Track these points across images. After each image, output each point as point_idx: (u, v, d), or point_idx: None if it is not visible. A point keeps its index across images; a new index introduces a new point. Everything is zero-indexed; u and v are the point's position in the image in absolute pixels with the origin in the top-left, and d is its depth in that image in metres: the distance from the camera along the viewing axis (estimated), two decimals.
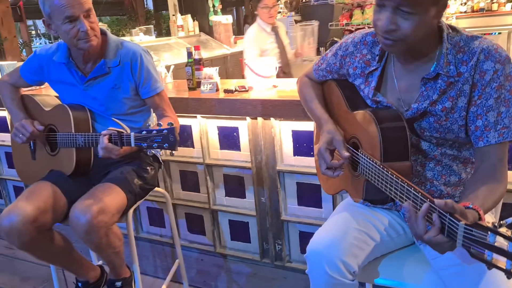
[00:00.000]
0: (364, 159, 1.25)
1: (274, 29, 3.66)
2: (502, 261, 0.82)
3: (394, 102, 1.31)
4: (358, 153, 1.29)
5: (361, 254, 1.29)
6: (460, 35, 1.22)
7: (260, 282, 2.29)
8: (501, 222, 0.84)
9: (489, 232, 0.84)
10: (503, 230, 0.82)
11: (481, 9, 7.16)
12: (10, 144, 2.72)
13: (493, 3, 7.10)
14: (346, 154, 1.29)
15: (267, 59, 2.26)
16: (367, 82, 1.36)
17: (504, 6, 7.07)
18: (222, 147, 2.22)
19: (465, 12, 7.42)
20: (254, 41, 3.62)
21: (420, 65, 1.25)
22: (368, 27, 4.66)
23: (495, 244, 0.83)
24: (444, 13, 1.21)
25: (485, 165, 1.18)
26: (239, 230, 2.31)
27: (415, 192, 1.04)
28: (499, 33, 6.54)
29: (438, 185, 1.31)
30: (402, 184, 1.08)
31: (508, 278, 0.82)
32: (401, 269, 1.32)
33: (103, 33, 1.82)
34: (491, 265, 0.84)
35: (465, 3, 7.54)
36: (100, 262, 2.09)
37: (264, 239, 2.23)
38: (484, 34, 6.65)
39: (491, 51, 1.16)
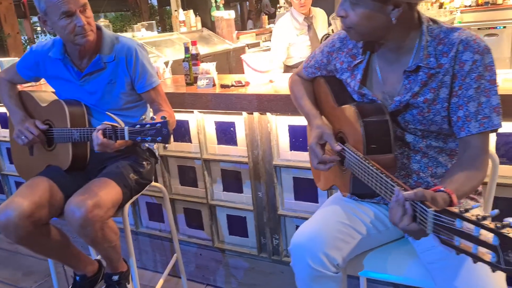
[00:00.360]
0: (349, 153, 1.27)
1: (308, 20, 3.28)
2: (487, 254, 0.82)
3: (379, 95, 1.32)
4: (344, 148, 1.31)
5: (345, 247, 1.30)
6: (440, 27, 1.24)
7: (258, 276, 2.30)
8: (486, 214, 0.84)
9: (456, 218, 0.84)
10: (486, 222, 0.82)
11: (486, 3, 7.10)
12: None
13: None
14: (338, 147, 1.31)
15: (263, 53, 2.26)
16: (353, 76, 1.38)
17: (509, 0, 7.00)
18: (219, 142, 2.23)
19: (469, 6, 7.35)
20: (282, 32, 3.31)
21: (401, 57, 1.27)
22: None
23: (462, 229, 0.84)
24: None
25: (466, 154, 1.19)
26: (236, 225, 2.32)
27: (392, 183, 1.05)
28: (504, 27, 6.49)
29: (425, 177, 1.32)
30: (381, 175, 1.10)
31: (493, 271, 0.82)
32: (385, 261, 1.34)
33: (98, 28, 1.82)
34: (459, 250, 0.85)
35: None
36: (99, 257, 2.11)
37: (261, 234, 2.24)
38: (489, 28, 6.61)
39: (470, 42, 1.18)
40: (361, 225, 1.35)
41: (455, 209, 0.86)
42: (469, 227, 0.83)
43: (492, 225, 0.80)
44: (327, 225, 1.32)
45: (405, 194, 0.97)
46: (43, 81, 2.10)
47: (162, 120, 1.48)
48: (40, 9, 1.69)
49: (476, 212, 0.82)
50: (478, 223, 0.82)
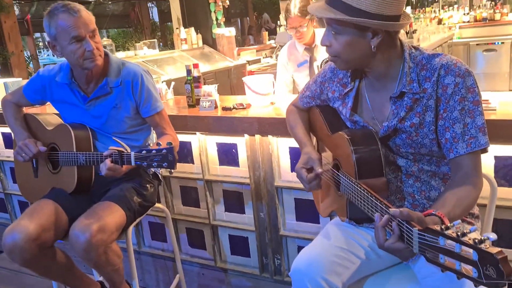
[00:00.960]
0: (344, 178, 1.31)
1: (309, 51, 2.91)
2: (469, 270, 0.82)
3: (369, 121, 1.37)
4: (339, 174, 1.35)
5: (345, 272, 1.32)
6: (422, 53, 1.28)
7: None
8: (472, 233, 0.85)
9: (438, 235, 0.86)
10: (466, 238, 0.83)
11: (484, 19, 7.18)
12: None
13: (496, 13, 7.12)
14: (319, 170, 1.37)
15: (264, 76, 2.27)
16: (344, 103, 1.43)
17: (507, 15, 7.09)
18: (221, 163, 2.25)
19: (468, 21, 7.44)
20: (283, 65, 3.02)
21: (387, 84, 1.32)
22: None
23: (445, 246, 0.85)
24: (403, 34, 1.26)
25: (457, 176, 1.22)
26: (239, 245, 2.34)
27: (380, 204, 1.08)
28: (502, 42, 6.56)
29: (420, 199, 1.35)
30: (370, 197, 1.13)
31: (476, 286, 0.82)
32: (385, 286, 1.35)
33: (105, 54, 1.87)
34: (444, 267, 0.86)
35: (468, 13, 7.56)
36: (101, 278, 2.12)
37: (263, 254, 2.25)
38: (487, 43, 6.67)
39: (451, 66, 1.22)
40: (359, 250, 1.37)
41: (436, 227, 0.88)
42: (451, 244, 0.84)
43: (470, 241, 0.81)
44: (326, 250, 1.35)
45: (391, 211, 1.00)
46: (45, 104, 2.13)
47: (168, 146, 1.51)
48: (50, 34, 1.74)
49: (473, 235, 0.83)
50: (458, 239, 0.83)
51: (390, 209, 1.02)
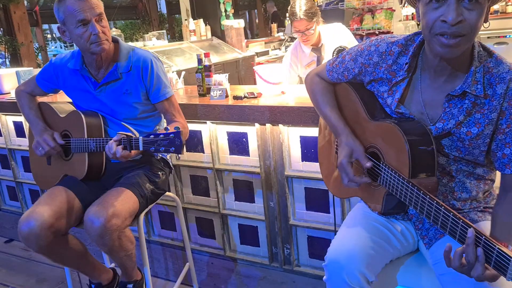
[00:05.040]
0: (388, 172, 1.24)
1: (316, 51, 2.88)
2: None
3: (416, 115, 1.29)
4: (380, 165, 1.29)
5: (378, 263, 1.31)
6: (491, 55, 1.20)
7: (270, 285, 2.32)
8: None
9: None
10: None
11: (496, 12, 7.07)
12: (26, 148, 2.81)
13: (508, 5, 7.02)
14: (368, 164, 1.29)
15: (275, 65, 2.27)
16: (391, 91, 1.33)
17: None
18: (232, 152, 2.26)
19: None
20: (290, 66, 2.98)
21: (448, 80, 1.23)
22: (379, 32, 4.53)
23: None
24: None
25: (510, 195, 1.19)
26: (248, 234, 2.35)
27: (454, 218, 1.02)
28: None
29: (450, 199, 1.32)
30: (438, 206, 1.07)
31: None
32: (419, 276, 1.34)
33: (115, 40, 1.88)
34: None
35: None
36: (113, 265, 2.14)
37: (273, 243, 2.26)
38: (499, 36, 6.59)
39: None
40: (390, 241, 1.35)
41: None
42: None
43: None
44: (363, 242, 1.30)
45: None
46: (58, 92, 2.15)
47: (175, 131, 1.52)
48: (59, 19, 1.76)
49: None
50: None
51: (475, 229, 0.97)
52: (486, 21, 1.13)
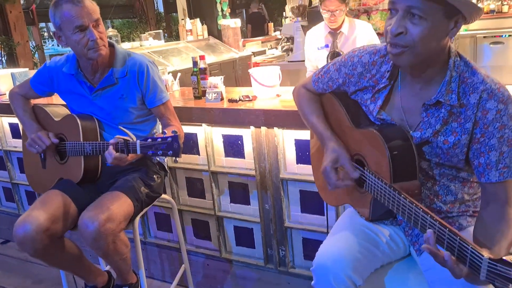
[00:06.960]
0: (372, 178, 1.26)
1: (332, 35, 2.98)
2: None
3: (397, 121, 1.31)
4: (365, 172, 1.30)
5: (366, 268, 1.31)
6: (466, 65, 1.22)
7: (265, 286, 2.33)
8: None
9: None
10: None
11: (491, 11, 7.10)
12: (21, 150, 2.80)
13: (504, 5, 7.04)
14: (356, 174, 1.30)
15: (270, 68, 2.28)
16: (373, 98, 1.36)
17: None
18: (227, 154, 2.26)
19: None
20: (307, 46, 3.12)
21: (425, 88, 1.25)
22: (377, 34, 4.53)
23: None
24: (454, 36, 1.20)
25: (493, 207, 1.19)
26: (244, 236, 2.36)
27: (432, 220, 1.03)
28: (510, 35, 6.49)
29: (436, 202, 1.33)
30: (417, 209, 1.08)
31: None
32: (407, 280, 1.35)
33: (111, 45, 1.88)
34: None
35: None
36: (108, 268, 2.14)
37: (268, 245, 2.27)
38: (495, 36, 6.61)
39: (494, 90, 1.17)
40: (378, 245, 1.36)
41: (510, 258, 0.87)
42: None
43: None
44: (350, 246, 1.31)
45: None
46: (52, 95, 2.15)
47: (173, 135, 1.52)
48: (55, 25, 1.76)
49: None
50: None
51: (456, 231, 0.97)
52: (451, 37, 1.16)
